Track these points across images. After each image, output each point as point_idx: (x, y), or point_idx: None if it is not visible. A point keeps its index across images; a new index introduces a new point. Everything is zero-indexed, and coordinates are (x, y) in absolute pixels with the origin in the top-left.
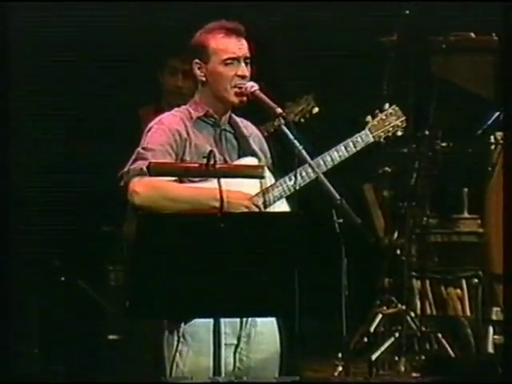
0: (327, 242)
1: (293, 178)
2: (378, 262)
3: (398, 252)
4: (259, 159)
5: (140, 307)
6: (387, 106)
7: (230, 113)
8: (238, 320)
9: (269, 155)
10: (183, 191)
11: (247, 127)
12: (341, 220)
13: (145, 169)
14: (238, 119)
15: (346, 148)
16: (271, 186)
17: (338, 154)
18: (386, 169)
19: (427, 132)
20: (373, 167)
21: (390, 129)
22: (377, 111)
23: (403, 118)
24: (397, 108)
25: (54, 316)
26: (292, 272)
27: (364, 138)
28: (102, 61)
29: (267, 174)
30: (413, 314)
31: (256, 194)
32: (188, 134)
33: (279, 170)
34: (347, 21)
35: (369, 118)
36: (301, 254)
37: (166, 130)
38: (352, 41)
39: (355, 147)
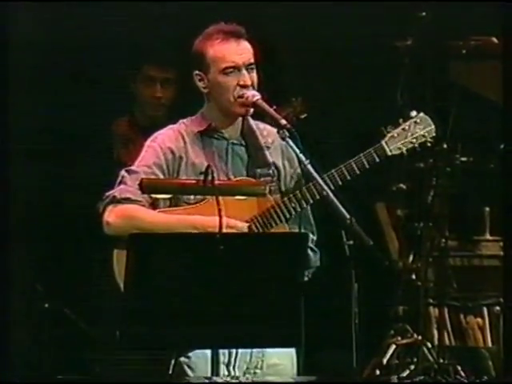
0: (336, 266)
1: (298, 196)
2: (391, 288)
3: (414, 277)
4: (273, 172)
5: (132, 337)
6: (414, 113)
7: (246, 122)
8: (242, 353)
9: (296, 163)
10: (160, 221)
11: (268, 136)
12: (351, 242)
13: (118, 196)
14: (259, 127)
15: (357, 164)
16: (272, 206)
17: (347, 171)
18: (401, 186)
19: (446, 145)
20: (386, 184)
21: (413, 140)
22: (400, 120)
23: (431, 128)
24: (424, 116)
25: (37, 346)
26: (298, 298)
27: (379, 151)
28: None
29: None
30: (429, 345)
31: (254, 217)
32: (186, 151)
33: None
34: (358, 24)
35: (389, 128)
36: (307, 279)
37: (157, 148)
38: (363, 45)
39: (369, 163)
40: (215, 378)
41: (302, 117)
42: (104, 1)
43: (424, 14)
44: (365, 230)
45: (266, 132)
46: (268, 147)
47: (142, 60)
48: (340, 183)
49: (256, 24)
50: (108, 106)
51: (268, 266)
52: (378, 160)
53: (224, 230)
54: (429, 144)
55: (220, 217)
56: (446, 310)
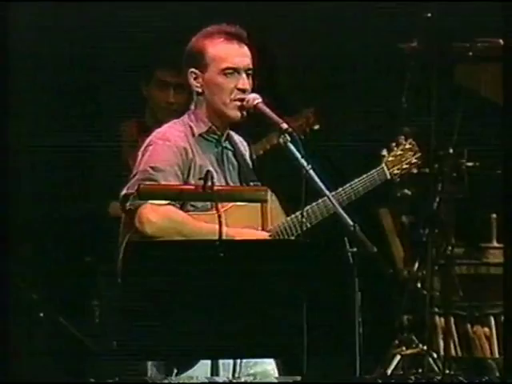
0: (339, 274)
1: (305, 213)
2: (395, 297)
3: (419, 285)
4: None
5: (130, 347)
6: (403, 138)
7: (228, 128)
8: (231, 362)
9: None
10: (199, 229)
11: (242, 143)
12: (354, 249)
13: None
14: (233, 135)
15: (361, 184)
16: (280, 222)
17: (353, 191)
18: (405, 191)
19: (451, 150)
20: (390, 189)
21: (406, 166)
22: (393, 144)
23: (419, 155)
24: (413, 142)
25: (31, 357)
26: (299, 307)
27: (381, 174)
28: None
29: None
30: (435, 355)
31: (270, 229)
32: (193, 153)
33: (282, 194)
34: (361, 25)
35: (384, 152)
36: (309, 287)
37: (174, 147)
38: (367, 48)
39: (371, 184)
40: (215, 378)
41: (316, 127)
42: (115, 1)
43: (429, 14)
44: (368, 237)
45: (240, 139)
46: (244, 155)
47: (156, 64)
48: (347, 202)
49: (257, 30)
50: (117, 109)
51: (269, 274)
52: (378, 183)
53: None
54: (415, 170)
55: (220, 224)
56: (452, 320)
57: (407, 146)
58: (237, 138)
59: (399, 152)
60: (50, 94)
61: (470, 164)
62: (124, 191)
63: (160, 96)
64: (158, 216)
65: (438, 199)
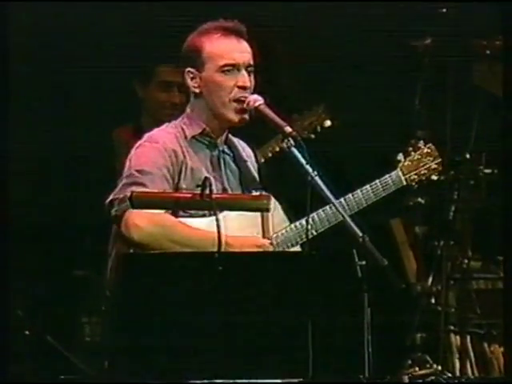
0: (347, 289)
1: (310, 221)
2: (408, 313)
3: (433, 301)
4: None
5: (121, 368)
6: (422, 143)
7: (227, 131)
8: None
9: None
10: (191, 234)
11: (245, 149)
12: (363, 262)
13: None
14: (235, 139)
15: (373, 191)
16: (283, 229)
17: (364, 197)
18: (419, 200)
19: (468, 155)
20: (402, 198)
21: (425, 171)
22: (410, 149)
23: (439, 160)
24: (433, 147)
25: (16, 379)
26: (305, 324)
27: (395, 180)
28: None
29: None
30: (450, 375)
31: (272, 236)
32: (184, 155)
33: (287, 201)
34: (372, 21)
35: (400, 156)
36: (315, 303)
37: (162, 149)
38: (378, 45)
39: (384, 190)
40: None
41: (327, 125)
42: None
43: (444, 10)
44: (379, 249)
45: (242, 145)
46: (247, 161)
47: (157, 63)
48: (356, 209)
49: (257, 25)
50: (114, 113)
51: (271, 288)
52: (393, 189)
53: (251, 249)
54: (434, 177)
55: (219, 233)
56: (468, 338)
57: (426, 151)
58: (238, 142)
59: (417, 156)
60: (49, 95)
61: (487, 171)
62: (110, 197)
63: (163, 97)
64: (145, 220)
65: (453, 208)
